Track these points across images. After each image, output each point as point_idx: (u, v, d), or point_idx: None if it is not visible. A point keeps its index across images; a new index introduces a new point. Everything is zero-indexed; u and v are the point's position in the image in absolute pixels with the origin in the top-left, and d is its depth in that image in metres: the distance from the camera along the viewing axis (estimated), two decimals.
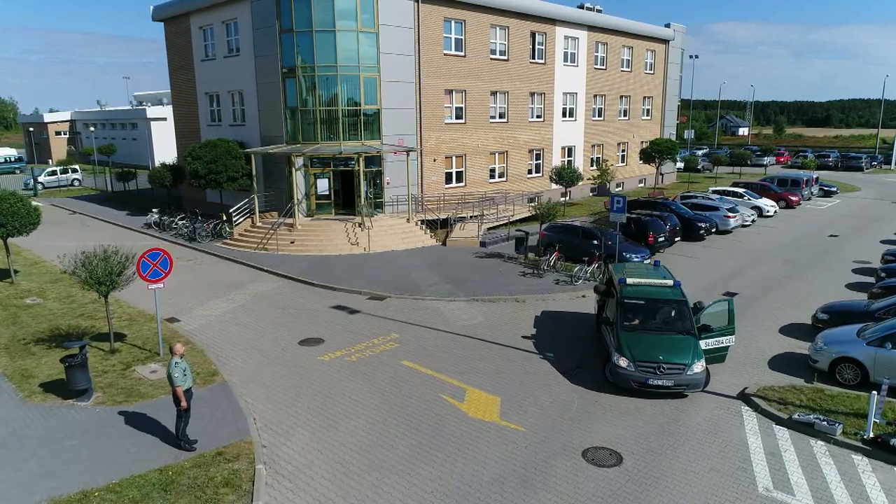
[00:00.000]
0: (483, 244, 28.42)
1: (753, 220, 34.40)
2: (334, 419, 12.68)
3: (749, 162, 63.87)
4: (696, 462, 11.13)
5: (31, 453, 11.08)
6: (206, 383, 14.10)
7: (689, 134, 79.01)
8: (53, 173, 53.99)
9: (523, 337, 17.29)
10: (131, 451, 11.17)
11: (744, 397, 13.55)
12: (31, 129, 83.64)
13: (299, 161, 29.45)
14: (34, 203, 22.50)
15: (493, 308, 19.84)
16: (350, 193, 30.47)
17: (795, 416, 12.36)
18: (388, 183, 30.78)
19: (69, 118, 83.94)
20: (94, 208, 40.96)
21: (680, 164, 58.30)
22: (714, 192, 38.60)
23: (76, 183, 54.56)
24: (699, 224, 29.88)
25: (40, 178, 51.77)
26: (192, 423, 11.80)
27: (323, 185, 30.51)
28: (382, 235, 28.18)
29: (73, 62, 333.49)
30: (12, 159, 66.52)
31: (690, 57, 72.15)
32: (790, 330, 17.89)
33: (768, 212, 36.82)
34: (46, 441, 11.50)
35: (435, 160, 32.75)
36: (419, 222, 30.22)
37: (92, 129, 71.15)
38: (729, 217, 31.71)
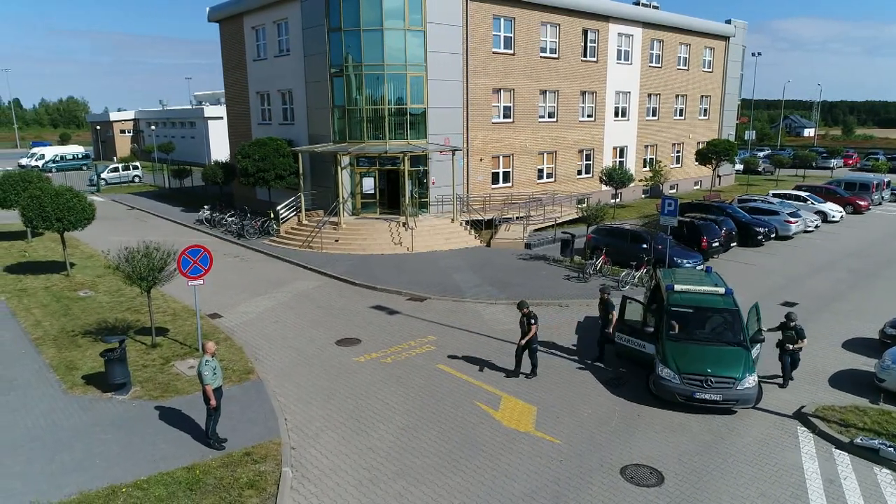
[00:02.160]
0: (528, 246, 27.82)
1: (817, 226, 32.61)
2: (365, 423, 12.44)
3: (814, 164, 60.82)
4: (744, 486, 10.35)
5: (65, 445, 11.25)
6: (240, 381, 14.10)
7: (749, 134, 75.93)
8: (116, 170, 56.12)
9: (564, 343, 16.69)
10: (161, 448, 11.20)
11: (800, 417, 12.60)
12: (98, 127, 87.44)
13: (345, 160, 29.53)
14: (90, 198, 23.24)
15: (535, 312, 19.21)
16: (395, 193, 30.36)
17: (858, 441, 11.39)
18: (433, 183, 30.53)
19: (133, 117, 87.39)
20: (151, 204, 42.28)
21: (739, 166, 55.98)
22: (774, 195, 36.82)
23: (137, 179, 56.57)
24: (757, 229, 28.48)
25: (103, 175, 53.87)
26: (224, 421, 11.77)
27: (368, 185, 30.51)
28: (426, 236, 27.94)
29: (140, 64, 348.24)
30: (80, 156, 69.57)
31: (752, 55, 69.29)
32: (854, 345, 16.66)
33: (833, 217, 34.87)
34: (81, 434, 11.67)
35: (481, 160, 32.31)
36: (464, 223, 29.86)
37: (153, 127, 73.80)
38: (790, 222, 30.10)
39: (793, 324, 14.06)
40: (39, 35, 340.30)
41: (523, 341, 14.36)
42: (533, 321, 14.20)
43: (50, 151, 68.87)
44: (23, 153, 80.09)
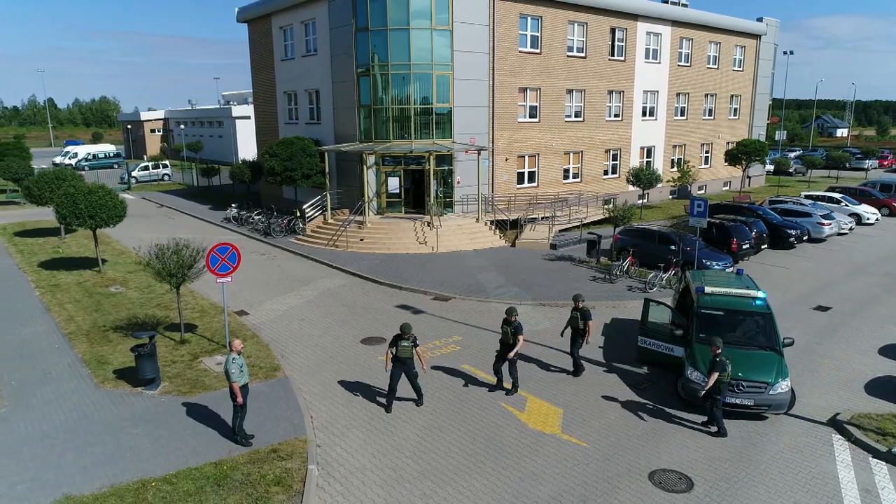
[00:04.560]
0: (553, 246, 27.62)
1: (851, 229, 31.84)
2: (390, 422, 12.43)
3: (848, 165, 59.52)
4: (777, 495, 10.11)
5: (97, 439, 11.44)
6: (267, 378, 14.21)
7: (780, 135, 74.50)
8: (146, 168, 57.17)
9: (590, 345, 16.49)
10: (190, 443, 11.32)
11: (835, 424, 12.28)
12: (129, 126, 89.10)
13: (371, 159, 29.63)
14: (121, 196, 23.66)
15: (560, 313, 19.07)
16: (420, 192, 30.39)
17: None
18: (458, 182, 30.49)
19: (163, 116, 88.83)
20: (179, 202, 42.93)
21: (769, 167, 54.94)
22: (807, 196, 36.05)
23: (166, 178, 57.52)
24: (789, 231, 27.88)
25: (134, 173, 54.90)
26: (251, 418, 11.87)
27: (394, 184, 30.57)
28: (451, 235, 27.89)
29: (171, 64, 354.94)
30: (111, 155, 71.04)
31: (784, 53, 68.11)
32: (891, 351, 16.18)
33: (868, 219, 34.01)
34: (112, 427, 11.86)
35: (507, 160, 32.16)
36: (489, 223, 29.75)
37: (182, 126, 74.94)
38: (823, 224, 29.43)
39: (718, 352, 11.69)
40: (74, 36, 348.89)
41: (424, 368, 13.00)
42: (416, 344, 12.58)
43: (83, 150, 70.45)
44: (57, 152, 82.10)
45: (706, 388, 11.75)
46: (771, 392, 12.22)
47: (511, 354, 13.23)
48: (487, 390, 13.84)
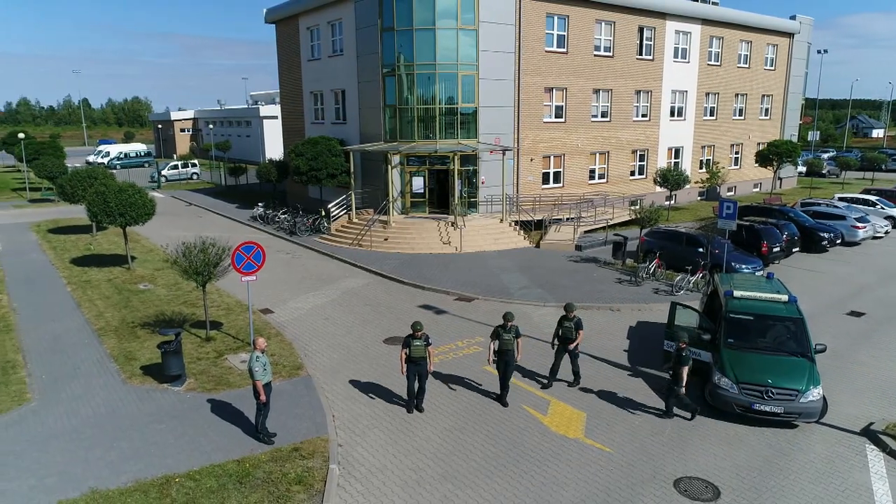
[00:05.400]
0: (578, 248, 27.35)
1: (887, 232, 30.98)
2: (411, 422, 12.40)
3: (884, 167, 57.91)
4: None
5: (123, 434, 11.61)
6: (290, 376, 14.29)
7: (813, 135, 72.84)
8: (175, 167, 58.09)
9: (615, 348, 16.29)
10: (213, 440, 11.43)
11: (869, 434, 11.91)
12: (160, 126, 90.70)
13: (396, 159, 29.68)
14: (151, 195, 24.05)
15: (584, 316, 18.63)
16: (445, 192, 30.35)
17: None
18: (482, 182, 30.38)
19: (192, 116, 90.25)
20: (207, 201, 43.54)
21: (801, 168, 53.74)
22: (840, 199, 35.15)
23: (195, 177, 58.41)
24: (822, 234, 27.20)
25: (164, 172, 55.82)
26: (273, 416, 11.95)
27: (418, 184, 30.57)
28: (475, 235, 27.80)
29: (201, 65, 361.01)
30: (142, 154, 72.38)
31: (818, 52, 66.43)
32: None
33: None
34: (138, 423, 12.03)
35: (532, 160, 31.95)
36: (513, 223, 29.59)
37: (211, 126, 76.01)
38: (857, 227, 28.66)
39: (683, 347, 12.21)
40: (108, 38, 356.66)
41: (431, 368, 12.66)
42: (429, 343, 12.50)
43: (115, 149, 71.91)
44: (90, 151, 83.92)
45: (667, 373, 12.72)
46: (802, 400, 11.91)
47: (519, 359, 13.11)
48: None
